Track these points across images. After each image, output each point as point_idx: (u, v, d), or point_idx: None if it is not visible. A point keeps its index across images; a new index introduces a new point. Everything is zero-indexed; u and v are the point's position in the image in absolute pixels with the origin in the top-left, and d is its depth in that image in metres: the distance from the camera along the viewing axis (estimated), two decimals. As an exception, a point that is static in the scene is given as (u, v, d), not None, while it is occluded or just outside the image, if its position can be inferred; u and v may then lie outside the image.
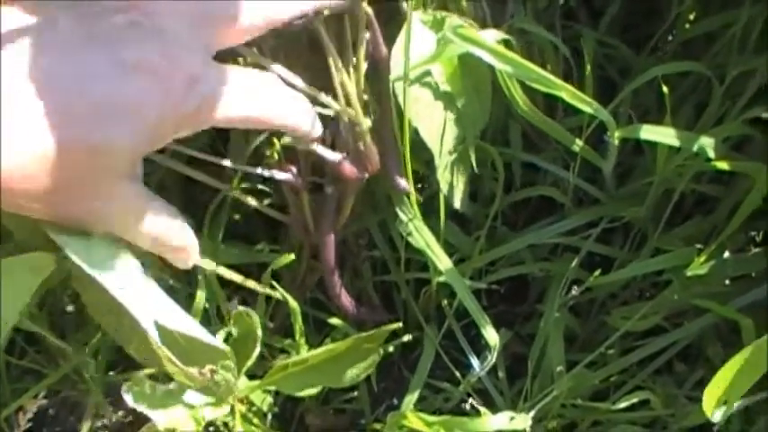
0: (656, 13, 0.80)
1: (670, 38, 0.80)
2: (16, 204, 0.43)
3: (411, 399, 0.71)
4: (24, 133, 0.40)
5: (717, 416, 0.58)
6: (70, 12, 0.44)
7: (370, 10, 0.55)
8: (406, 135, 0.61)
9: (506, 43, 0.63)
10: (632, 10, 0.81)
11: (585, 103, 0.60)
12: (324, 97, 0.57)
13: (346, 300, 0.73)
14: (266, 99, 0.51)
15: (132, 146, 0.44)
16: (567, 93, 0.59)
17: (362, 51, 0.57)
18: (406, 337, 0.75)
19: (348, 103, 0.58)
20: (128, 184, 0.47)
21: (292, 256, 0.65)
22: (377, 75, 0.60)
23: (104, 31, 0.44)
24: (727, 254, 0.70)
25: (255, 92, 0.50)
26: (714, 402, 0.52)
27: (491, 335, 0.66)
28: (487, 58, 0.58)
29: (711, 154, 0.65)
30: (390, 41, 0.60)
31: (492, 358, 0.67)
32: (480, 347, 0.75)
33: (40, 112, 0.41)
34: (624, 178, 0.78)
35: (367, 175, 0.62)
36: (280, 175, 0.61)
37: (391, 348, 0.78)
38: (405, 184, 0.64)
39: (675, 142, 0.64)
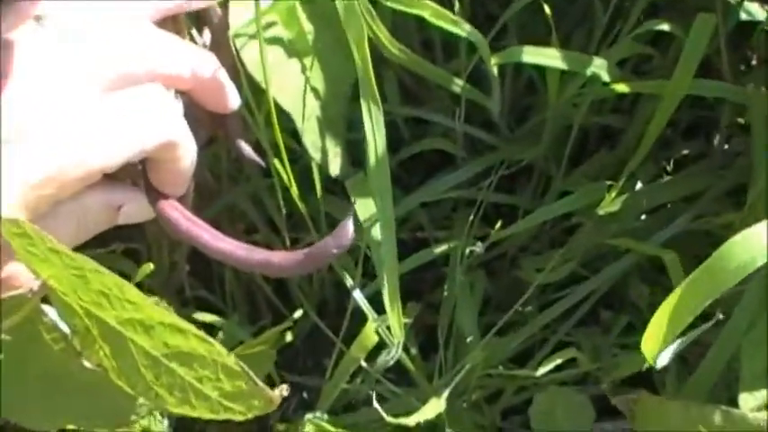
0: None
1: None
2: None
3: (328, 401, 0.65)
4: None
5: (662, 360, 0.52)
6: None
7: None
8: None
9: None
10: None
11: (454, 24, 0.53)
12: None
13: None
14: None
15: None
16: (432, 13, 0.52)
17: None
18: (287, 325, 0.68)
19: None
20: None
21: (151, 266, 0.57)
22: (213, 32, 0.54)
23: None
24: (639, 185, 0.65)
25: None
26: (655, 347, 0.46)
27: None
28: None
29: (606, 77, 0.60)
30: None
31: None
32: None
33: None
34: (522, 122, 0.72)
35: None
36: None
37: (291, 338, 0.72)
38: (249, 150, 0.57)
39: (563, 65, 0.58)
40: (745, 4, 0.63)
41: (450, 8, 0.61)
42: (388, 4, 0.53)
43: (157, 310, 0.41)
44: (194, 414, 0.42)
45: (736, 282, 0.42)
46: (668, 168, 0.74)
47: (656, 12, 0.66)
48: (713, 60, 0.64)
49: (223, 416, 0.42)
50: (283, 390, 0.42)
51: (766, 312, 0.50)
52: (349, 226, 0.49)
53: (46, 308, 0.46)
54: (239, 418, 0.42)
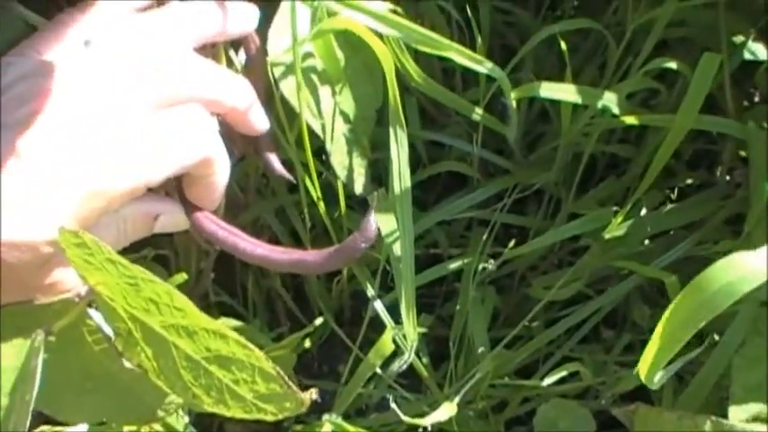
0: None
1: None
2: None
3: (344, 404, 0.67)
4: None
5: (655, 380, 0.55)
6: None
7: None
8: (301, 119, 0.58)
9: (395, 13, 0.60)
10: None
11: (477, 62, 0.57)
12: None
13: None
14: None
15: None
16: (456, 53, 0.56)
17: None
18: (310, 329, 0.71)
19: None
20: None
21: (184, 276, 0.61)
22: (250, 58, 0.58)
23: None
24: (644, 212, 0.68)
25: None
26: (650, 367, 0.49)
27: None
28: (370, 22, 0.54)
29: (616, 110, 0.63)
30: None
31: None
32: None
33: None
34: (533, 147, 0.76)
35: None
36: None
37: (308, 344, 0.75)
38: (280, 166, 0.60)
39: (577, 99, 0.61)
40: (749, 44, 0.67)
41: (471, 41, 0.65)
42: (420, 47, 0.56)
43: (203, 317, 0.43)
44: (228, 414, 0.44)
45: (721, 307, 0.43)
46: (672, 197, 0.77)
47: (665, 48, 0.70)
48: (717, 96, 0.68)
49: (255, 416, 0.44)
50: (312, 393, 0.45)
51: (755, 332, 0.54)
52: (372, 221, 0.53)
53: (90, 311, 0.49)
54: (270, 418, 0.44)
